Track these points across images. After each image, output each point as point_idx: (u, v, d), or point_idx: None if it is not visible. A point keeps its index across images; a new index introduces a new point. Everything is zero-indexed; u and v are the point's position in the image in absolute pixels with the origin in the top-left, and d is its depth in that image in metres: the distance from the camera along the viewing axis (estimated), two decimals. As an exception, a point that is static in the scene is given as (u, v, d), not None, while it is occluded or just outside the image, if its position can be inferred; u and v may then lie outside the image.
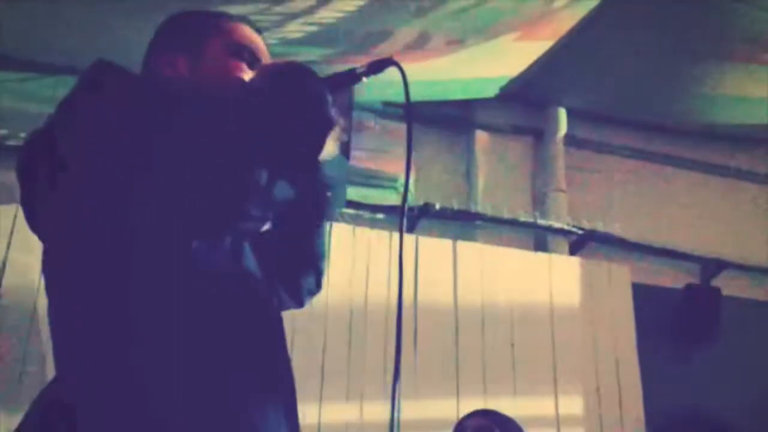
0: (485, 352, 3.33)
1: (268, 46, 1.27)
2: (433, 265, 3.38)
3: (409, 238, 3.45)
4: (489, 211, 3.70)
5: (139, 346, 0.99)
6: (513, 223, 3.73)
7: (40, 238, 1.12)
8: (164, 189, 0.98)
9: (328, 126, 1.03)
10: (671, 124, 4.09)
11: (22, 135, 3.08)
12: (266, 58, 1.23)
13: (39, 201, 1.09)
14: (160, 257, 1.01)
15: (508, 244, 3.62)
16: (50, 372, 1.14)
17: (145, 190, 0.99)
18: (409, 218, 3.63)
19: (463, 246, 3.50)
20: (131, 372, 0.98)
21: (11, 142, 3.09)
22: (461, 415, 2.42)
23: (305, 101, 1.03)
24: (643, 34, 3.30)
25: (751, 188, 4.29)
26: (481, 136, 3.94)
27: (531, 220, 3.76)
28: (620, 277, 3.67)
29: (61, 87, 3.16)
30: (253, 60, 1.20)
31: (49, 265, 1.10)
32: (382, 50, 3.17)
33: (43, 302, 2.07)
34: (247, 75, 1.18)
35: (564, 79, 3.77)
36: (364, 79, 1.13)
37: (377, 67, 1.14)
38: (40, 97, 3.22)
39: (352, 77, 1.13)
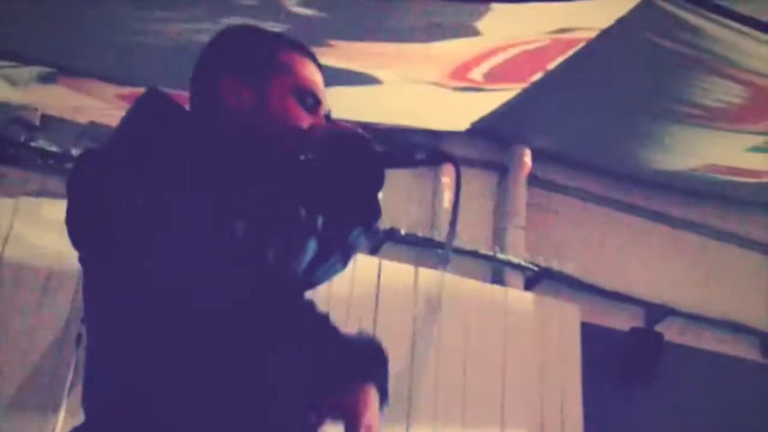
0: (438, 379, 3.40)
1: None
2: (395, 288, 3.45)
3: (372, 261, 3.52)
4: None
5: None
6: (473, 255, 3.83)
7: (79, 251, 1.15)
8: (219, 234, 1.01)
9: (377, 200, 1.11)
10: (627, 171, 4.27)
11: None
12: (324, 96, 1.25)
13: (81, 223, 1.12)
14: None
15: (467, 275, 3.72)
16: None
17: (204, 232, 1.01)
18: (373, 241, 3.71)
19: (425, 272, 3.58)
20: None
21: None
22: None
23: (364, 174, 1.11)
24: (607, 86, 3.47)
25: (696, 239, 4.49)
26: (448, 167, 4.03)
27: (490, 253, 3.87)
28: (570, 316, 3.81)
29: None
30: (315, 104, 1.23)
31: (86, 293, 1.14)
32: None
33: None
34: (309, 120, 1.21)
35: (531, 120, 3.91)
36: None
37: (434, 160, 1.20)
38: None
39: (408, 161, 1.18)
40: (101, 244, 1.09)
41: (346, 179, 1.10)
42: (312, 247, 1.05)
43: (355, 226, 1.10)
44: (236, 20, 2.30)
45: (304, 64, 1.25)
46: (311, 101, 1.23)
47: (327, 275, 1.10)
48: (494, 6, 2.81)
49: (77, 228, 1.13)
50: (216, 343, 1.06)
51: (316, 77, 1.25)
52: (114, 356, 1.08)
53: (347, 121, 1.33)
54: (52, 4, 2.74)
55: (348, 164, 1.11)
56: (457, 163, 1.18)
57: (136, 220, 1.03)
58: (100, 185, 1.08)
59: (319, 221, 1.05)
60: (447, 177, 4.04)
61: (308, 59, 1.26)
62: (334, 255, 1.08)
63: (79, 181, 1.13)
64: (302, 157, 1.13)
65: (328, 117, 1.25)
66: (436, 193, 3.99)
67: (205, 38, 1.29)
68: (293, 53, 1.25)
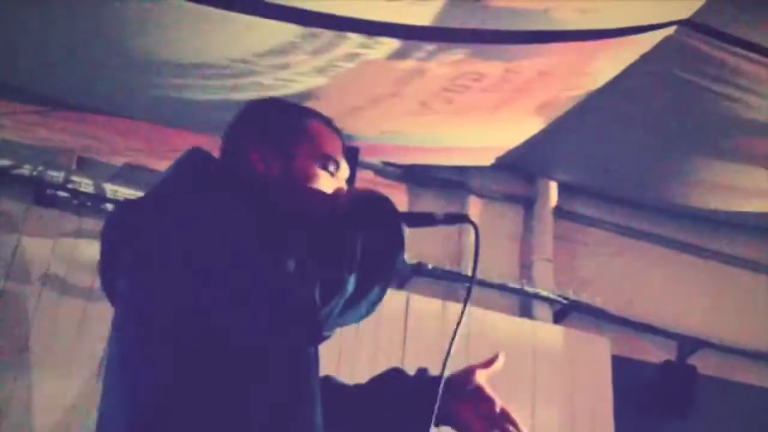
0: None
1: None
2: (422, 322, 3.47)
3: (400, 295, 3.54)
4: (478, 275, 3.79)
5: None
6: (501, 288, 3.83)
7: (113, 303, 1.20)
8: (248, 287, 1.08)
9: (400, 253, 1.18)
10: (655, 203, 4.26)
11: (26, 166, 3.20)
12: (344, 162, 1.34)
13: (120, 273, 1.17)
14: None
15: (495, 309, 3.71)
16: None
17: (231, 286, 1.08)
18: (401, 275, 3.73)
19: (452, 306, 3.59)
20: None
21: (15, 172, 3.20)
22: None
23: (386, 231, 1.18)
24: (632, 120, 3.48)
25: (728, 270, 4.44)
26: (475, 202, 4.07)
27: (518, 286, 3.87)
28: (601, 349, 3.77)
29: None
30: (336, 169, 1.32)
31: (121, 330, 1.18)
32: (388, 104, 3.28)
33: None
34: (331, 184, 1.29)
35: (557, 154, 3.93)
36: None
37: (454, 220, 1.30)
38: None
39: (428, 220, 1.27)
40: (140, 290, 1.14)
41: (371, 239, 1.16)
42: (345, 293, 1.11)
43: (378, 282, 1.16)
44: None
45: (325, 132, 1.34)
46: (333, 167, 1.31)
47: (349, 322, 1.17)
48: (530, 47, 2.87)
49: (108, 275, 1.20)
50: (249, 380, 1.11)
51: (336, 144, 1.34)
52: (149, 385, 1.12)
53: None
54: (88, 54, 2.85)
55: (372, 224, 1.18)
56: (476, 227, 1.26)
57: (178, 267, 1.10)
58: (141, 233, 1.14)
59: (353, 275, 1.12)
60: (474, 209, 4.06)
61: (328, 128, 1.34)
62: (359, 305, 1.15)
63: (111, 230, 1.20)
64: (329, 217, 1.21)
65: (349, 182, 1.34)
66: (463, 226, 4.00)
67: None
68: (315, 122, 1.34)
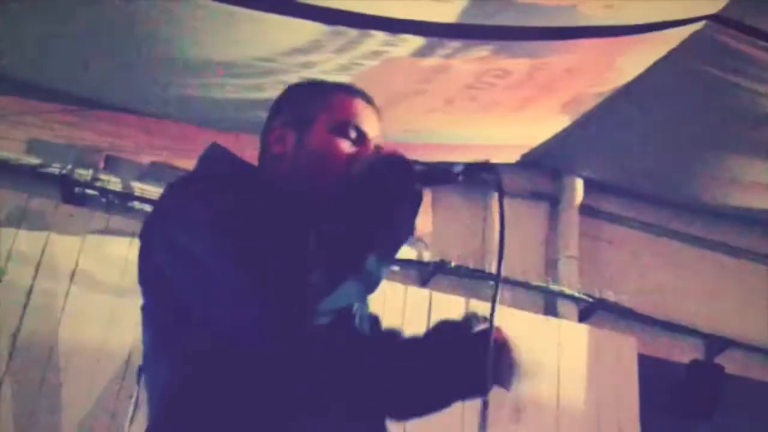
0: (489, 412, 3.37)
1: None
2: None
3: (422, 293, 3.54)
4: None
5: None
6: (525, 286, 3.81)
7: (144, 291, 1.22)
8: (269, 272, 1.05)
9: (415, 218, 1.13)
10: (682, 200, 4.20)
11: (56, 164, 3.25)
12: (374, 130, 1.26)
13: (150, 268, 1.19)
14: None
15: (519, 306, 3.70)
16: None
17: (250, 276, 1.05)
18: (424, 273, 3.73)
19: (476, 304, 3.57)
20: None
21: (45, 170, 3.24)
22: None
23: (402, 194, 1.13)
24: (659, 116, 3.44)
25: (757, 268, 4.37)
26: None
27: (543, 284, 3.85)
28: (627, 348, 3.73)
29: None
30: (359, 135, 1.24)
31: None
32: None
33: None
34: (351, 151, 1.23)
35: (582, 151, 3.90)
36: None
37: (474, 171, 1.17)
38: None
39: (449, 177, 1.18)
40: (163, 289, 1.16)
41: (385, 201, 1.11)
42: (319, 273, 1.05)
43: (372, 251, 1.09)
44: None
45: (349, 101, 1.27)
46: (354, 133, 1.24)
47: (339, 302, 1.10)
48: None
49: (144, 271, 1.21)
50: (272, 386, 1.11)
51: (361, 111, 1.26)
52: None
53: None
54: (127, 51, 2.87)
55: (388, 186, 1.12)
56: (498, 175, 1.16)
57: (184, 270, 1.11)
58: (166, 234, 1.16)
59: (330, 248, 1.06)
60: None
61: (357, 97, 1.28)
62: (347, 282, 1.08)
63: (148, 232, 1.22)
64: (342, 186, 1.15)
65: (378, 147, 1.26)
66: (486, 224, 3.99)
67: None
68: (339, 93, 1.29)
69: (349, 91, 1.30)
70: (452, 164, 1.17)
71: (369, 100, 1.29)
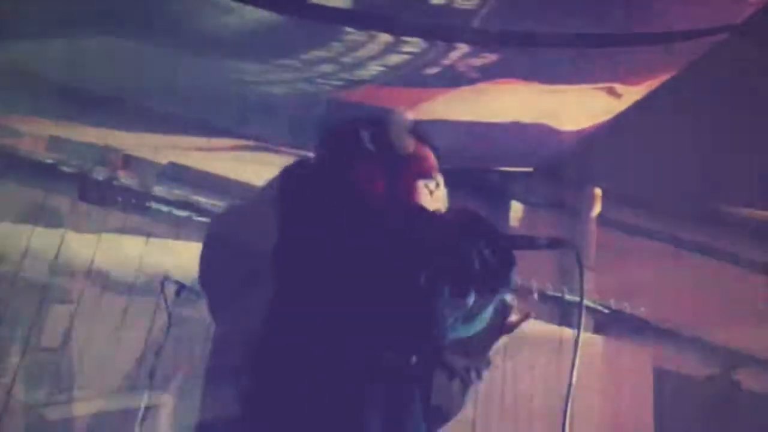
0: (503, 422, 3.35)
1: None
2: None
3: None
4: (518, 282, 3.75)
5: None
6: (540, 296, 3.78)
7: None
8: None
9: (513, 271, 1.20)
10: (700, 212, 4.16)
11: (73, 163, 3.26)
12: (440, 179, 1.37)
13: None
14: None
15: (534, 316, 3.66)
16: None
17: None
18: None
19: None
20: None
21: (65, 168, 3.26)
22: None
23: (496, 250, 1.19)
24: (684, 126, 3.41)
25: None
26: (516, 207, 4.04)
27: (558, 294, 3.82)
28: (643, 361, 3.70)
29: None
30: (436, 187, 1.35)
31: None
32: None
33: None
34: (431, 202, 1.32)
35: (602, 161, 3.87)
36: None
37: (556, 244, 1.31)
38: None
39: (531, 244, 1.29)
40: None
41: (480, 257, 1.17)
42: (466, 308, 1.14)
43: (492, 299, 1.19)
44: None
45: (425, 152, 1.37)
46: (433, 186, 1.34)
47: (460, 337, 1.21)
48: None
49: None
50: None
51: (434, 162, 1.37)
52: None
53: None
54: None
55: (479, 244, 1.18)
56: (579, 256, 1.30)
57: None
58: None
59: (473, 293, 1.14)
60: (516, 215, 4.02)
61: (426, 147, 1.38)
62: (473, 320, 1.18)
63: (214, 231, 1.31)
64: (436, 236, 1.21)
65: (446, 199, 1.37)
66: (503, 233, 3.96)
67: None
68: (416, 142, 1.37)
69: (421, 136, 1.38)
70: (536, 238, 1.30)
71: (434, 147, 1.39)
